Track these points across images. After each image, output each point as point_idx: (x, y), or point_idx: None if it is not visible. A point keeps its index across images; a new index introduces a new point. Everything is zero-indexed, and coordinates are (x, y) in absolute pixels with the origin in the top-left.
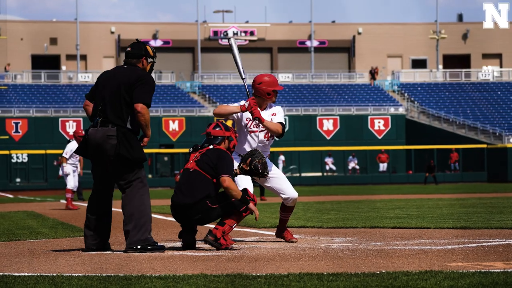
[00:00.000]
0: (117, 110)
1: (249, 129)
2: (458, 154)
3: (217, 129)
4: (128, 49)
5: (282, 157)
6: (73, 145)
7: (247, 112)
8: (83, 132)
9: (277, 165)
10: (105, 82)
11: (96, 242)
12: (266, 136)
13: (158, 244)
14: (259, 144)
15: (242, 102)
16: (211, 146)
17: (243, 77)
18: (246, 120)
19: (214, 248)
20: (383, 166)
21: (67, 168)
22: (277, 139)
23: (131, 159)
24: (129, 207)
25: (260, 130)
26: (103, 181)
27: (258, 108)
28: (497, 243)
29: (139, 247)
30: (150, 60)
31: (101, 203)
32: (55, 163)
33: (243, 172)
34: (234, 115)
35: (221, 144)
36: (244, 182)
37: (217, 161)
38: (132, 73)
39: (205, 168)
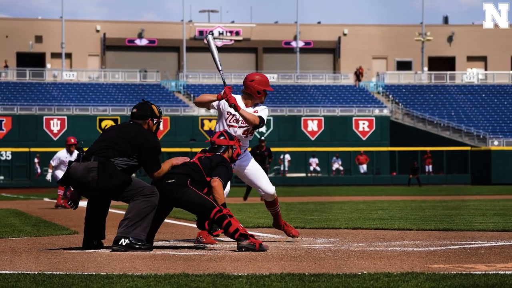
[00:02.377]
0: (108, 150)
1: (228, 123)
2: (431, 158)
3: (222, 138)
4: (134, 110)
5: (288, 156)
6: (61, 154)
7: (228, 106)
8: (74, 141)
9: (283, 164)
10: (108, 130)
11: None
12: (245, 133)
13: (146, 244)
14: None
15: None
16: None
17: (220, 69)
18: (227, 114)
19: (199, 247)
20: (362, 168)
21: (51, 175)
22: (256, 132)
23: (113, 188)
24: (131, 211)
25: (239, 126)
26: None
27: (234, 96)
28: (479, 245)
29: (125, 243)
30: (156, 120)
31: (97, 209)
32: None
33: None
34: (216, 106)
35: (225, 153)
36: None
37: (217, 165)
38: (139, 132)
39: (204, 166)
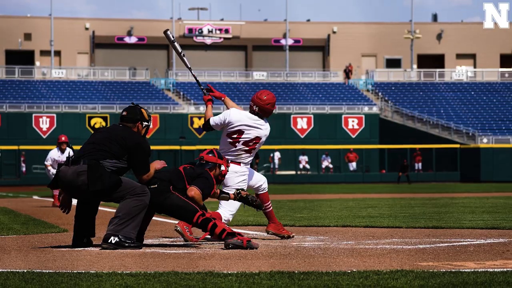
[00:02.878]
0: (97, 152)
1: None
2: (421, 156)
3: (210, 155)
4: (124, 113)
5: (277, 154)
6: (53, 153)
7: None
8: (65, 139)
9: (273, 162)
10: (98, 132)
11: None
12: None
13: (136, 242)
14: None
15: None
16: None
17: (189, 67)
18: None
19: (186, 244)
20: (352, 166)
21: (51, 172)
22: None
23: (104, 190)
24: (121, 210)
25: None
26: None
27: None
28: (468, 243)
29: (114, 241)
30: (145, 124)
31: (87, 207)
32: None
33: (238, 198)
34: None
35: (212, 170)
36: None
37: (198, 176)
38: (129, 135)
39: (186, 174)
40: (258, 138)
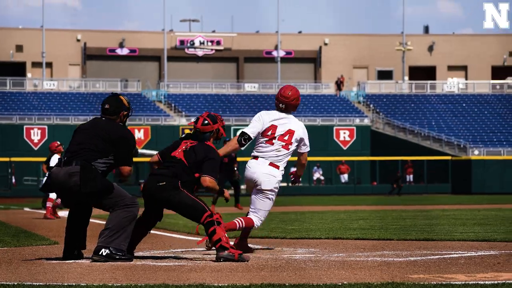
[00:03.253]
0: (87, 153)
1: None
2: (412, 168)
3: (206, 123)
4: (107, 106)
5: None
6: (55, 160)
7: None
8: (59, 147)
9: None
10: (82, 130)
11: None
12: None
13: (127, 254)
14: (279, 148)
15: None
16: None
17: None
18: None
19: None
20: (343, 178)
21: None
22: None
23: (96, 192)
24: (111, 222)
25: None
26: (78, 206)
27: (268, 112)
28: (459, 255)
29: (105, 253)
30: (126, 112)
31: (78, 219)
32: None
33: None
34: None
35: (210, 139)
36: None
37: (204, 160)
38: (113, 128)
39: (190, 162)
40: (291, 131)
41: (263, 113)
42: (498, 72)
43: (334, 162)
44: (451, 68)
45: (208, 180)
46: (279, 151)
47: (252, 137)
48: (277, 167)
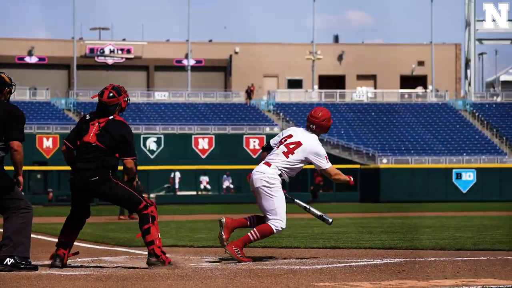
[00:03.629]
0: None
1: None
2: (321, 176)
3: (111, 96)
4: None
5: (178, 174)
6: None
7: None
8: None
9: (173, 182)
10: None
11: None
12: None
13: (32, 263)
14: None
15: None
16: (111, 117)
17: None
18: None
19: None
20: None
21: None
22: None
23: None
24: (9, 230)
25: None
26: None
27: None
28: (365, 263)
29: (10, 262)
30: (8, 89)
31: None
32: None
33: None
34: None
35: (116, 110)
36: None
37: (121, 140)
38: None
39: (106, 144)
40: (299, 143)
41: (290, 128)
42: (407, 81)
43: (244, 171)
44: (360, 77)
45: (130, 162)
46: (277, 154)
47: (271, 145)
48: (269, 165)
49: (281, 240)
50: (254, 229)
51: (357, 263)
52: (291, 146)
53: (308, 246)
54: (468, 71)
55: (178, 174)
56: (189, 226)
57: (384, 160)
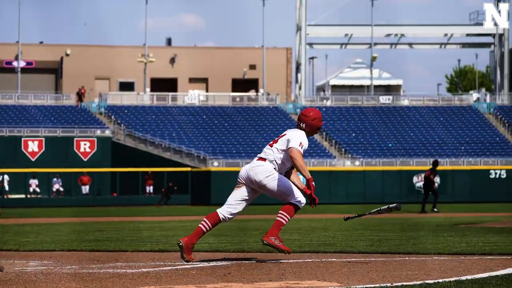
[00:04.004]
0: None
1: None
2: (153, 179)
3: None
4: None
5: (6, 177)
6: None
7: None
8: None
9: (2, 186)
10: None
11: None
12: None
13: None
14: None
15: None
16: None
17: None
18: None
19: None
20: (85, 189)
21: None
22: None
23: None
24: None
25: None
26: None
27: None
28: (192, 266)
29: None
30: None
31: None
32: None
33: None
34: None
35: None
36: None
37: None
38: None
39: None
40: (284, 135)
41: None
42: (238, 84)
43: (74, 174)
44: (192, 80)
45: None
46: (266, 149)
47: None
48: (264, 160)
49: (110, 244)
50: (282, 212)
51: (183, 266)
52: (277, 138)
53: (136, 250)
54: (299, 75)
55: (6, 177)
56: (16, 230)
57: (215, 163)
